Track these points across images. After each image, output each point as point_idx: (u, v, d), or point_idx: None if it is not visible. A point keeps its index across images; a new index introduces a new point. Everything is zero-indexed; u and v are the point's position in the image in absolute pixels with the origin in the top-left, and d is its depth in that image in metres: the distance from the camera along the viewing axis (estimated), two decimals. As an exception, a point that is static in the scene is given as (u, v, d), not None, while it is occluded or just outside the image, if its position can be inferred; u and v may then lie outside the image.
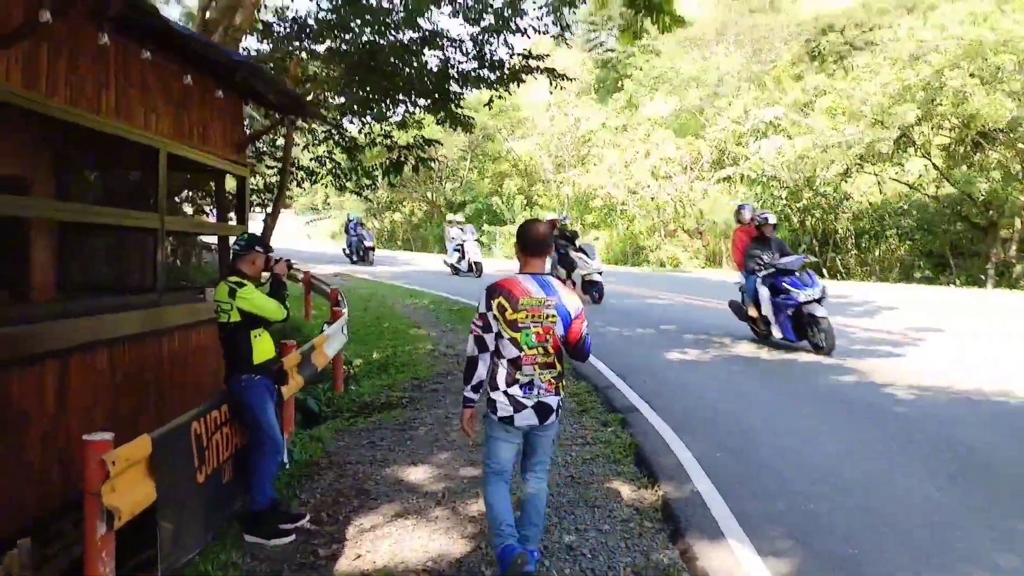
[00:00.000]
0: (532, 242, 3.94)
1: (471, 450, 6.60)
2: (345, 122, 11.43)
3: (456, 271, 23.50)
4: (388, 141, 12.02)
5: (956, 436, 6.21)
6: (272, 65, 9.24)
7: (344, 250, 26.40)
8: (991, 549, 4.13)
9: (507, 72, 9.81)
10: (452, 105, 11.14)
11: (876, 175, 24.94)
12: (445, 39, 9.39)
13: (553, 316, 3.80)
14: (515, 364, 3.79)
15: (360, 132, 11.98)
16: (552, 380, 3.85)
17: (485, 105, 11.24)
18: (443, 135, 43.50)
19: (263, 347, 4.99)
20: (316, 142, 12.43)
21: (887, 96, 18.55)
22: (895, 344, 10.12)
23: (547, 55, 10.79)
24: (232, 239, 8.05)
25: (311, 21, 8.63)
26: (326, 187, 13.23)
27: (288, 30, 8.16)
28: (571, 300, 3.89)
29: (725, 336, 11.43)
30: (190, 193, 13.02)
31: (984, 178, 19.94)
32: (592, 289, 15.96)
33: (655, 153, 33.05)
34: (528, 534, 3.99)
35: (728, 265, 29.75)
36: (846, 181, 25.25)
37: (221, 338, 4.94)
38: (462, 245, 23.25)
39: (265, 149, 13.32)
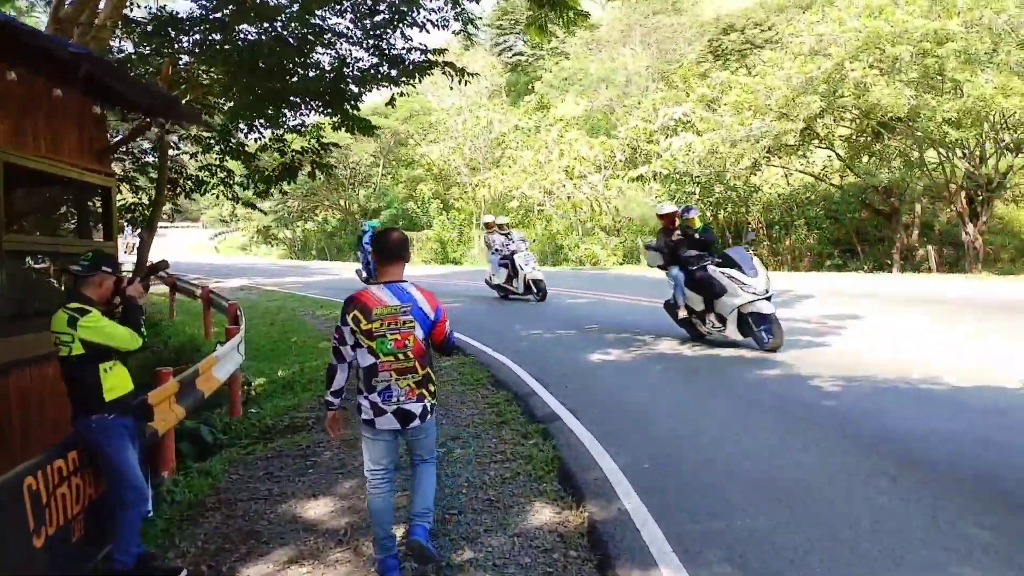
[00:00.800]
0: (386, 250, 4.03)
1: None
2: (238, 128, 10.54)
3: (506, 293, 16.88)
4: (280, 145, 11.20)
5: (889, 429, 5.96)
6: (141, 67, 8.34)
7: (358, 272, 18.08)
8: (948, 561, 3.79)
9: (407, 67, 9.18)
10: (349, 107, 10.42)
11: (783, 167, 25.46)
12: (337, 35, 8.67)
13: (410, 322, 3.90)
14: (371, 371, 3.92)
15: (247, 136, 11.10)
16: (412, 386, 3.94)
17: (387, 104, 10.60)
18: (352, 141, 42.63)
19: (116, 381, 4.23)
20: (202, 149, 11.46)
21: (791, 89, 18.84)
22: (816, 334, 10.00)
23: (454, 57, 10.24)
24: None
25: (181, 15, 7.75)
26: (217, 197, 12.29)
27: (153, 25, 7.28)
28: (428, 304, 3.99)
29: (647, 334, 11.13)
30: (67, 209, 11.93)
31: (886, 167, 20.53)
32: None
33: (568, 153, 32.98)
34: (418, 511, 4.15)
35: (645, 261, 29.91)
36: (755, 174, 25.68)
37: (63, 374, 4.17)
38: (511, 257, 16.31)
39: (151, 160, 12.27)
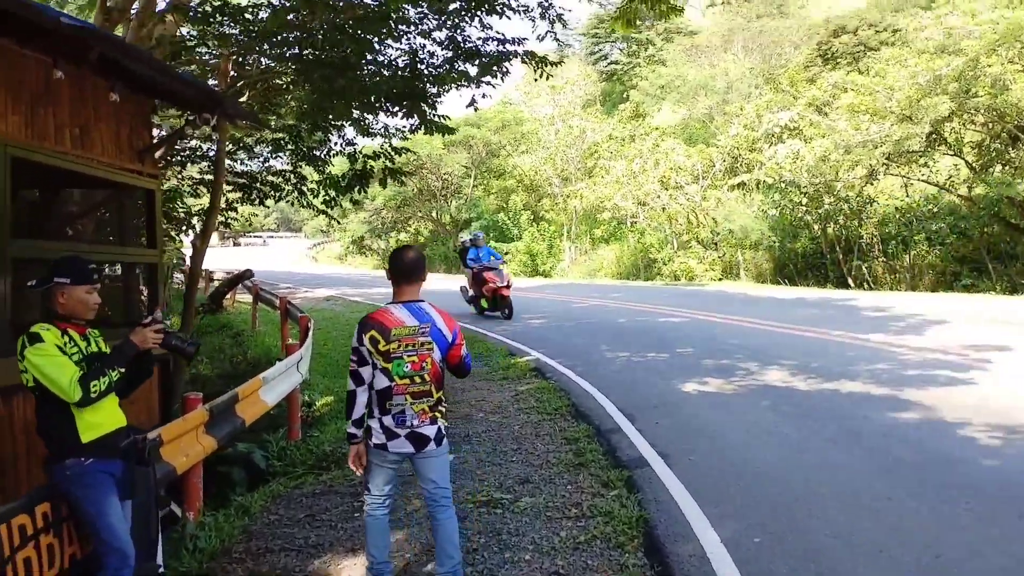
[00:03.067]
0: (402, 270, 3.87)
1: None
2: (307, 130, 9.97)
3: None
4: (351, 150, 10.58)
5: None
6: (194, 61, 7.85)
7: (463, 289, 16.93)
8: None
9: (485, 60, 8.34)
10: (426, 107, 9.67)
11: (903, 176, 23.23)
12: (408, 23, 7.90)
13: (429, 343, 3.79)
14: (385, 394, 3.79)
15: (316, 137, 10.50)
16: (426, 409, 3.82)
17: (468, 106, 9.80)
18: (444, 152, 42.53)
19: (95, 418, 3.46)
20: (272, 150, 10.98)
21: (916, 89, 16.95)
22: (957, 368, 8.45)
23: (553, 63, 9.29)
24: (160, 266, 6.62)
25: (247, 8, 7.17)
26: (292, 204, 11.83)
27: (212, 14, 6.73)
28: (446, 325, 3.86)
29: (750, 360, 9.83)
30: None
31: (1023, 177, 18.25)
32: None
33: (664, 162, 31.53)
34: (447, 568, 3.90)
35: (746, 277, 28.10)
36: (871, 184, 23.52)
37: (36, 409, 3.44)
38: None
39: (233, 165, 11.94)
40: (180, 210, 13.82)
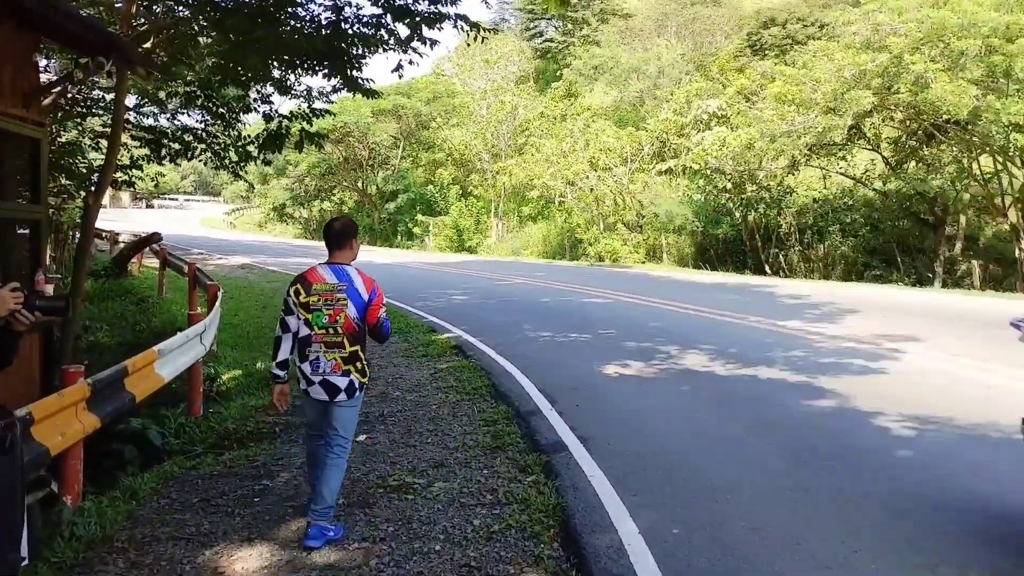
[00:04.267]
0: (329, 236, 4.38)
1: (340, 514, 4.77)
2: (220, 83, 9.27)
3: None
4: (267, 108, 9.98)
5: (995, 501, 4.56)
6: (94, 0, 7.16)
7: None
8: None
9: (415, 20, 7.89)
10: (350, 69, 9.15)
11: (822, 168, 23.88)
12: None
13: (343, 300, 4.21)
14: (305, 342, 4.25)
15: (226, 93, 9.81)
16: (339, 361, 4.23)
17: (393, 71, 9.32)
18: (373, 121, 41.43)
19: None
20: (182, 103, 10.22)
21: (841, 82, 17.31)
22: (869, 357, 8.61)
23: (488, 30, 8.88)
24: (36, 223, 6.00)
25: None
26: (205, 164, 11.10)
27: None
28: (364, 286, 4.26)
29: (671, 344, 9.82)
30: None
31: (937, 174, 18.94)
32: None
33: (594, 143, 31.54)
34: (315, 507, 4.27)
35: (668, 260, 28.48)
36: (792, 174, 24.10)
37: None
38: None
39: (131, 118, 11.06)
40: (81, 165, 12.86)
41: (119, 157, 11.25)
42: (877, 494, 4.64)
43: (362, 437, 6.48)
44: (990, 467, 5.10)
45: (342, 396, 4.24)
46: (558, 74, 47.86)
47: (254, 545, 4.38)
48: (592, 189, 31.05)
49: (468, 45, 30.63)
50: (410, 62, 9.71)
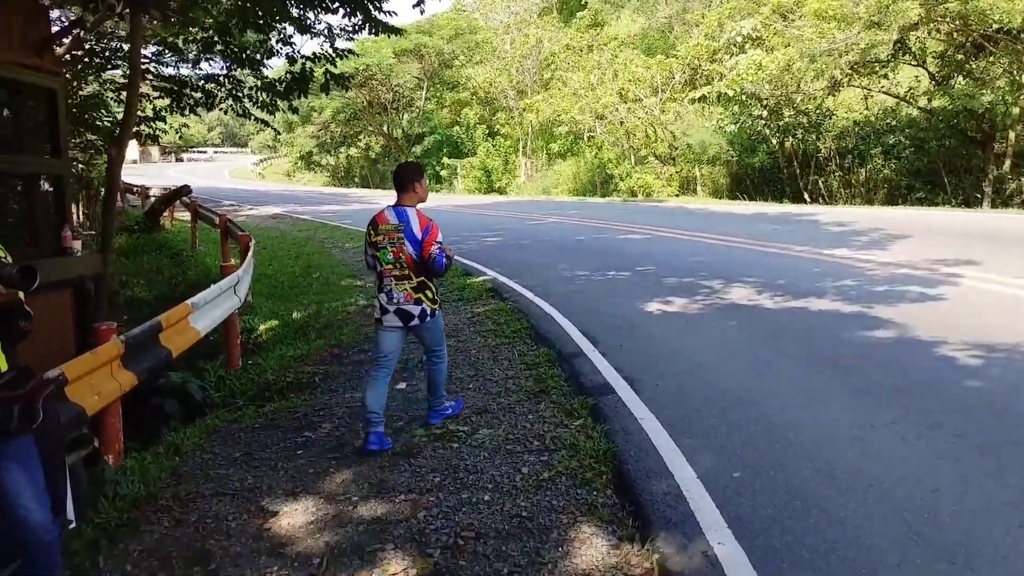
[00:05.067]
0: (394, 181, 4.87)
1: (384, 464, 4.65)
2: (237, 27, 8.89)
3: None
4: (288, 51, 9.63)
5: None
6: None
7: None
8: None
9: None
10: (371, 5, 8.74)
11: (864, 88, 22.81)
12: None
13: (401, 239, 4.69)
14: (380, 276, 4.84)
15: (246, 37, 9.43)
16: (410, 291, 4.76)
17: (415, 6, 8.88)
18: (395, 62, 40.61)
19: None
20: (202, 49, 9.88)
21: (886, -8, 16.34)
22: (927, 283, 8.20)
23: None
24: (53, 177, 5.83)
25: None
26: (225, 112, 10.81)
27: None
28: (419, 225, 4.69)
29: (714, 278, 9.50)
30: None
31: (987, 88, 17.93)
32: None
33: (623, 74, 30.54)
34: (430, 403, 5.23)
35: (703, 193, 27.79)
36: (832, 96, 23.07)
37: None
38: None
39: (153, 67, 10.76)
40: (106, 119, 12.67)
41: (141, 109, 11.05)
42: (950, 428, 4.36)
43: (402, 385, 6.35)
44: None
45: (416, 321, 4.81)
46: (583, 2, 46.22)
47: (299, 499, 4.28)
48: (622, 122, 30.21)
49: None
50: (430, -6, 9.23)
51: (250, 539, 3.87)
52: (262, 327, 9.20)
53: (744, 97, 24.71)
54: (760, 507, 3.61)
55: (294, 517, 4.09)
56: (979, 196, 20.84)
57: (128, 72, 7.85)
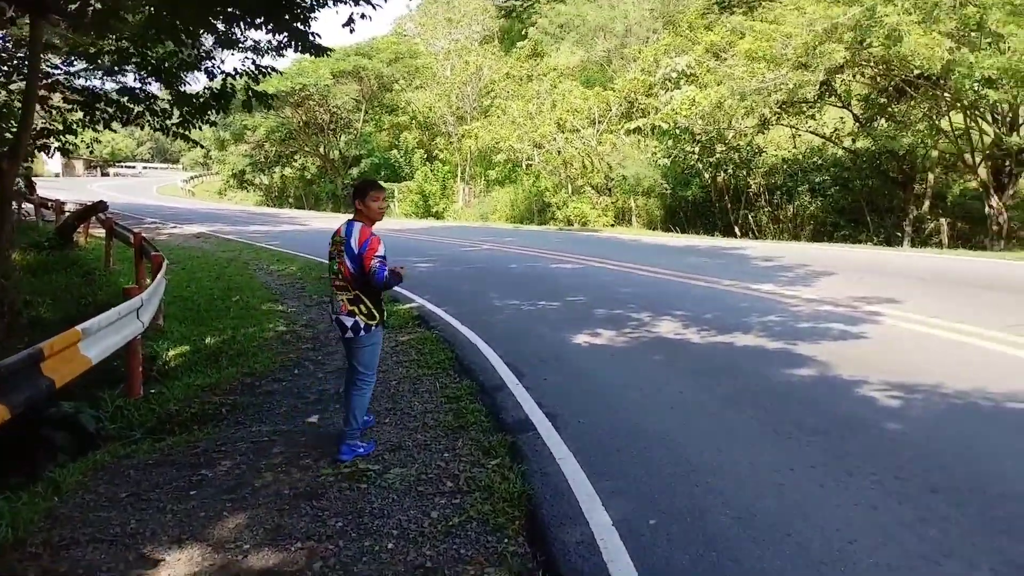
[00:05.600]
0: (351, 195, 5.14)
1: (284, 507, 4.32)
2: (155, 39, 8.46)
3: None
4: (208, 65, 9.22)
5: (996, 478, 4.24)
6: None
7: None
8: None
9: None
10: (296, 22, 8.48)
11: (793, 127, 23.55)
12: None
13: (342, 251, 4.90)
14: (329, 284, 5.11)
15: (162, 48, 9.00)
16: (345, 302, 4.90)
17: (344, 26, 8.68)
18: (333, 83, 40.12)
19: None
20: (116, 61, 9.36)
21: (813, 35, 16.87)
22: (848, 321, 8.28)
23: None
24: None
25: None
26: (142, 128, 10.26)
27: None
28: (358, 241, 4.81)
29: (643, 311, 9.44)
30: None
31: (907, 131, 18.69)
32: None
33: (561, 104, 30.84)
34: (342, 434, 5.11)
35: (638, 224, 28.12)
36: (762, 133, 23.73)
37: None
38: None
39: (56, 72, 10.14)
40: (13, 130, 11.94)
41: (52, 121, 10.44)
42: (870, 474, 4.28)
43: (314, 418, 6.02)
44: (983, 441, 4.78)
45: (350, 334, 4.92)
46: (523, 33, 46.87)
47: (184, 547, 3.93)
48: (559, 151, 30.44)
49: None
50: (363, 16, 9.03)
51: (122, 595, 3.50)
52: (171, 352, 8.68)
53: (678, 131, 25.21)
54: (675, 559, 3.43)
55: (176, 568, 3.73)
56: (900, 235, 21.64)
57: (26, 80, 7.33)
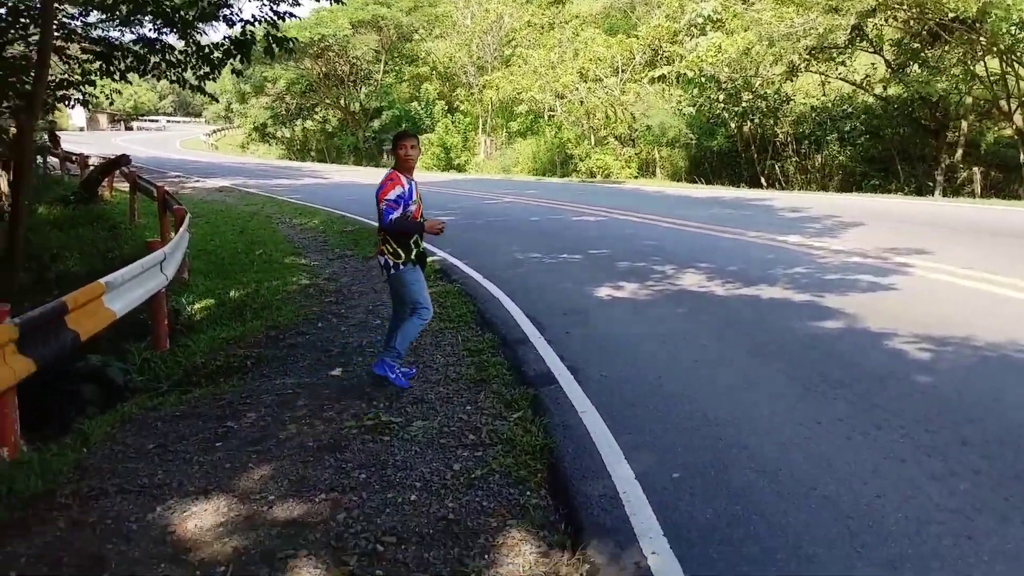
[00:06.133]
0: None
1: (308, 458, 4.36)
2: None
3: None
4: (227, 11, 9.06)
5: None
6: None
7: None
8: None
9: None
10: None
11: (822, 74, 22.90)
12: None
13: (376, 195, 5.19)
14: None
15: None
16: (379, 242, 5.29)
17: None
18: (352, 34, 39.60)
19: None
20: (132, 15, 9.22)
21: (844, -23, 16.30)
22: (878, 272, 8.10)
23: None
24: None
25: None
26: (159, 79, 10.16)
27: None
28: (380, 186, 5.12)
29: (667, 263, 9.33)
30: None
31: (941, 76, 18.08)
32: None
33: (584, 53, 30.19)
34: (384, 350, 5.48)
35: (662, 175, 27.73)
36: (790, 81, 23.10)
37: None
38: None
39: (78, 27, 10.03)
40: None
41: (70, 72, 10.39)
42: (898, 427, 4.21)
43: (337, 371, 6.04)
44: (1015, 393, 4.68)
45: (382, 273, 5.39)
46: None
47: (210, 498, 3.97)
48: (582, 101, 29.92)
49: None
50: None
51: (151, 543, 3.55)
52: (196, 306, 8.76)
53: (704, 79, 24.62)
54: (698, 512, 3.40)
55: (203, 518, 3.77)
56: (931, 184, 21.14)
57: (40, 31, 7.25)
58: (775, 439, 4.17)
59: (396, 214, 5.08)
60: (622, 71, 29.57)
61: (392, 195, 5.07)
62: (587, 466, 3.99)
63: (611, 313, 7.23)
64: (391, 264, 5.22)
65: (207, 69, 9.32)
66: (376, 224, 5.26)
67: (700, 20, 25.04)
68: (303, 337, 7.19)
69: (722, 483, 3.67)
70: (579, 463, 4.04)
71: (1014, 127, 18.71)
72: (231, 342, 7.20)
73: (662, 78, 27.27)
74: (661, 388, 5.10)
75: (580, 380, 5.31)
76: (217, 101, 15.85)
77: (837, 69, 22.42)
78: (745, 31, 21.57)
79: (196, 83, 9.84)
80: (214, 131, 66.60)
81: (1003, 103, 18.90)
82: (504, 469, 4.09)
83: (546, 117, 33.37)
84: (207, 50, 9.24)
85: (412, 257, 5.25)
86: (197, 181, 25.69)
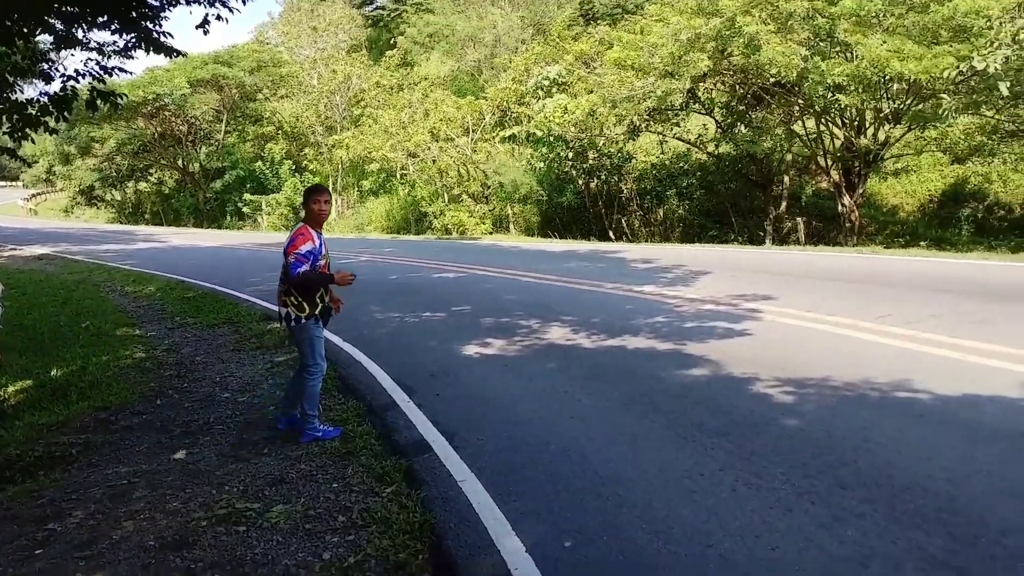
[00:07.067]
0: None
1: (149, 561, 3.76)
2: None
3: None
4: (45, 67, 8.25)
5: (893, 467, 4.28)
6: None
7: None
8: None
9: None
10: (144, 21, 7.75)
11: (660, 133, 24.35)
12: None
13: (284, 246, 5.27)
14: None
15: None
16: (281, 294, 5.35)
17: (198, 27, 8.06)
18: (189, 92, 37.93)
19: None
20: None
21: (678, 46, 17.44)
22: (732, 319, 8.41)
23: (309, 5, 7.69)
24: None
25: None
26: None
27: None
28: (289, 237, 5.20)
29: (532, 317, 9.26)
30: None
31: (766, 137, 19.70)
32: None
33: (434, 113, 30.51)
34: (300, 414, 5.50)
35: (515, 230, 28.19)
36: (632, 140, 24.37)
37: None
38: None
39: None
40: None
41: None
42: (778, 474, 4.21)
43: (181, 454, 5.39)
44: (879, 432, 4.84)
45: (284, 324, 5.39)
46: (392, 43, 46.17)
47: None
48: (434, 160, 30.08)
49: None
50: (218, 17, 8.39)
51: None
52: (11, 388, 7.68)
53: (552, 139, 25.49)
54: (597, 584, 3.18)
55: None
56: (762, 234, 22.77)
57: None
58: (663, 495, 4.05)
59: (304, 267, 5.08)
60: (473, 131, 30.08)
61: (303, 249, 5.09)
62: (473, 541, 3.68)
63: (481, 371, 7.00)
64: (293, 316, 5.25)
65: (18, 129, 8.35)
66: (279, 277, 5.33)
67: (546, 83, 26.05)
68: (139, 418, 6.43)
69: (617, 549, 3.48)
70: (464, 539, 3.72)
71: (831, 180, 20.59)
72: (53, 428, 6.31)
73: (512, 138, 27.98)
74: (541, 448, 4.90)
75: (456, 445, 5.01)
76: (30, 166, 14.27)
77: (673, 129, 23.92)
78: (589, 93, 22.58)
79: (11, 145, 8.78)
80: (33, 195, 61.22)
81: (820, 159, 20.82)
82: (381, 553, 3.70)
83: (399, 175, 33.24)
84: (24, 107, 8.32)
85: (316, 312, 5.28)
86: (13, 249, 23.28)
